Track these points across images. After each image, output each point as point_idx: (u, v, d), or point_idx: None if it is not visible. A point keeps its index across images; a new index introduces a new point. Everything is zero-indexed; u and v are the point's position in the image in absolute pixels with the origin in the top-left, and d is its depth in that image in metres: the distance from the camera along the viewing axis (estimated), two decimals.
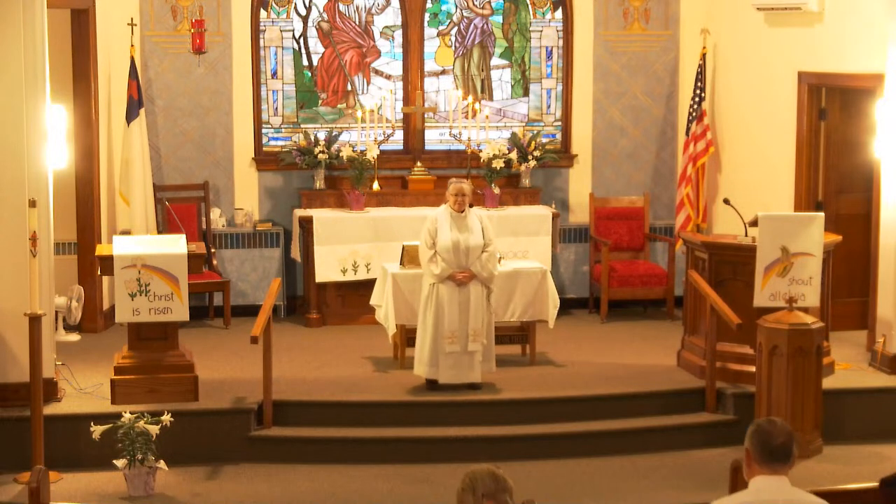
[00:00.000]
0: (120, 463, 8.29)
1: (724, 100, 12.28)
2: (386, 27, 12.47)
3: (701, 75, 12.17)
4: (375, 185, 12.05)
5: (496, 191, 11.98)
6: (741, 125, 12.03)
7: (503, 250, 10.64)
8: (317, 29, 12.36)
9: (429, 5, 12.47)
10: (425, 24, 12.49)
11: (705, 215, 12.27)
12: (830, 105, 11.09)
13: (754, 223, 9.52)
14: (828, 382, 9.32)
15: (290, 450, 9.04)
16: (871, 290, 10.32)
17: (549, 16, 12.61)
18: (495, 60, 12.65)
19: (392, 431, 9.20)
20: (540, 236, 11.80)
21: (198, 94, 12.06)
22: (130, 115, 11.37)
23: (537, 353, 10.38)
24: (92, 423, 8.40)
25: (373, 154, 11.84)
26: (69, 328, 11.10)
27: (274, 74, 12.32)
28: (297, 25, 12.33)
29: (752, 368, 9.28)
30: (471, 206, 9.52)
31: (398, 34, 12.47)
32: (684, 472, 8.78)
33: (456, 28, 12.58)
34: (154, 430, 8.27)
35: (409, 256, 10.16)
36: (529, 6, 12.58)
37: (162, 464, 8.36)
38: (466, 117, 12.20)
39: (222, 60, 12.07)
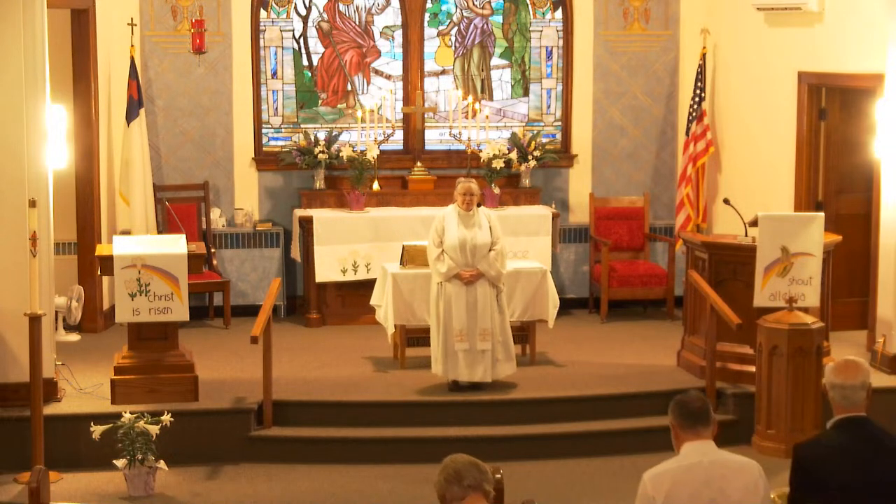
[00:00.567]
0: (120, 463, 8.29)
1: (724, 100, 12.28)
2: (386, 27, 12.48)
3: (701, 75, 12.17)
4: (375, 185, 12.05)
5: (496, 191, 11.98)
6: (741, 125, 12.03)
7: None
8: (317, 29, 12.36)
9: (429, 5, 12.47)
10: (425, 24, 12.49)
11: (705, 215, 12.27)
12: (830, 105, 11.09)
13: (754, 223, 9.52)
14: None
15: (290, 450, 9.04)
16: (871, 290, 10.32)
17: (549, 16, 12.61)
18: (495, 60, 12.65)
19: (392, 431, 9.20)
20: (540, 236, 11.80)
21: (198, 94, 12.06)
22: (130, 115, 11.37)
23: (537, 353, 10.38)
24: (92, 423, 8.40)
25: (373, 154, 11.84)
26: (69, 328, 11.10)
27: (274, 74, 12.32)
28: (297, 25, 12.33)
29: (752, 368, 9.28)
30: (479, 205, 9.52)
31: (398, 34, 12.47)
32: None
33: (456, 28, 12.58)
34: (154, 430, 8.27)
35: (409, 256, 10.17)
36: (529, 6, 12.58)
37: (162, 464, 8.36)
38: (466, 117, 12.20)
39: (222, 60, 12.07)
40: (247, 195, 12.21)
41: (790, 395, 8.94)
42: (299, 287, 12.13)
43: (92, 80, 11.05)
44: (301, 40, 12.36)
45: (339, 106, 12.48)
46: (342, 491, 8.51)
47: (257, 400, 9.21)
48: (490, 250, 9.39)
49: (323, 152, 11.88)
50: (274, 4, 12.26)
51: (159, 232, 11.50)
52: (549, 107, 12.71)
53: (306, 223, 11.68)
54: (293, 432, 9.16)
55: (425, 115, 12.45)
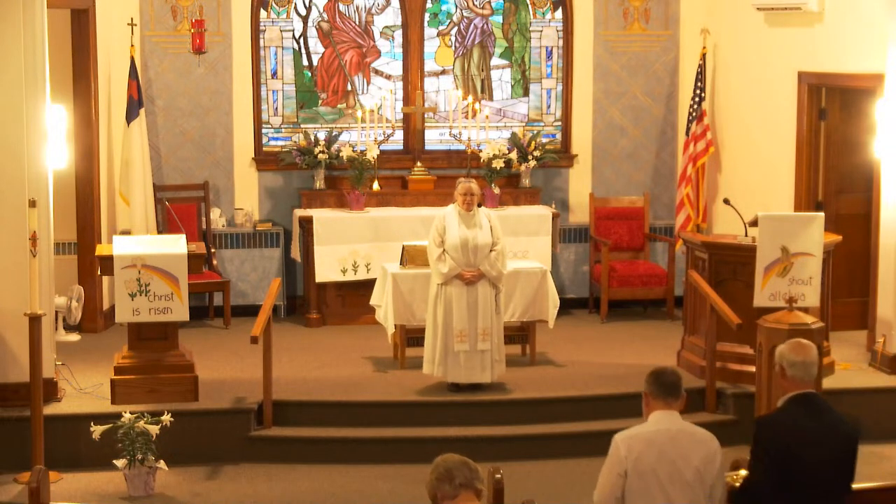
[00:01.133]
0: (120, 463, 8.29)
1: (724, 100, 12.28)
2: (386, 27, 12.47)
3: (701, 75, 12.17)
4: (375, 185, 12.04)
5: (496, 191, 11.98)
6: (741, 125, 12.03)
7: None
8: (317, 29, 12.36)
9: (429, 5, 12.47)
10: (425, 24, 12.49)
11: (705, 215, 12.27)
12: (830, 105, 11.09)
13: (754, 223, 9.52)
14: (828, 382, 9.32)
15: (290, 450, 9.04)
16: (871, 290, 10.32)
17: (549, 16, 12.61)
18: (495, 60, 12.65)
19: (392, 431, 9.20)
20: (540, 236, 11.80)
21: (198, 94, 12.06)
22: (130, 115, 11.37)
23: (537, 353, 10.38)
24: (92, 423, 8.40)
25: (373, 154, 11.84)
26: (69, 328, 11.10)
27: (274, 74, 12.32)
28: (297, 25, 12.33)
29: (752, 368, 9.27)
30: (479, 205, 9.52)
31: (398, 34, 12.47)
32: None
33: (456, 28, 12.58)
34: (154, 430, 8.27)
35: (409, 256, 10.17)
36: (529, 6, 12.58)
37: (162, 464, 8.36)
38: (466, 117, 12.20)
39: (222, 60, 12.07)
40: (247, 195, 12.21)
41: None
42: (299, 287, 12.13)
43: (92, 80, 11.05)
44: (301, 40, 12.36)
45: (339, 106, 12.48)
46: (342, 491, 8.51)
47: (257, 400, 9.21)
48: (491, 250, 9.39)
49: (323, 152, 11.88)
50: (274, 4, 12.26)
51: (159, 232, 11.50)
52: (549, 107, 12.71)
53: (306, 223, 11.68)
54: (293, 432, 9.16)
55: (425, 115, 12.45)
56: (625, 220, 12.42)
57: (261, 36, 12.25)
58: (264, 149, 12.31)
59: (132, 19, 11.59)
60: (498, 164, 11.95)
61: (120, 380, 9.14)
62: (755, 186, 11.61)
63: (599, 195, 12.50)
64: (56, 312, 10.32)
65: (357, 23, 12.43)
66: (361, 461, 8.96)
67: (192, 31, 11.36)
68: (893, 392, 9.61)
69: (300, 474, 8.80)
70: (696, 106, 12.16)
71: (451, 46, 12.58)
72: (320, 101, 12.46)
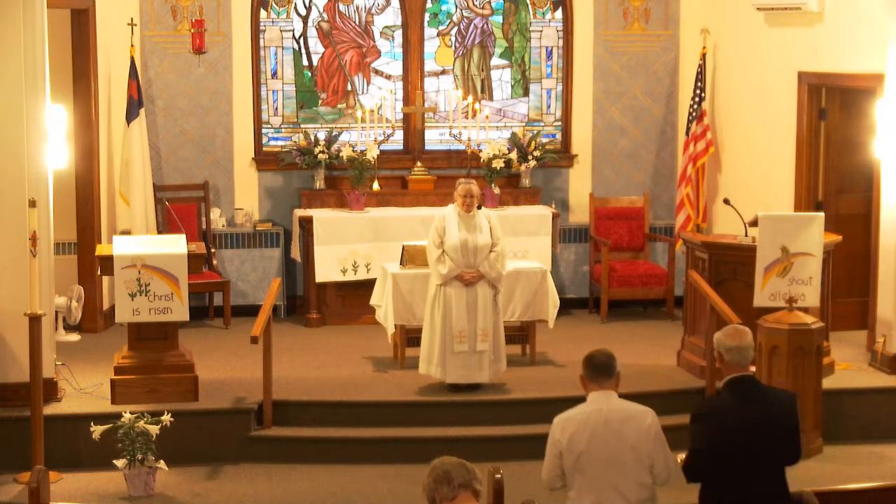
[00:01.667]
0: (120, 463, 8.29)
1: (724, 100, 12.28)
2: (386, 27, 12.48)
3: (701, 75, 12.17)
4: (375, 185, 12.05)
5: (496, 191, 11.98)
6: (741, 125, 12.03)
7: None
8: (317, 29, 12.36)
9: (429, 5, 12.47)
10: (425, 24, 12.49)
11: (705, 215, 12.27)
12: (830, 105, 11.09)
13: (754, 223, 9.52)
14: (828, 382, 9.32)
15: (290, 450, 9.04)
16: (871, 290, 10.32)
17: (549, 16, 12.61)
18: (495, 60, 12.65)
19: (392, 431, 9.20)
20: (540, 236, 11.80)
21: (198, 94, 12.06)
22: (130, 115, 11.37)
23: (537, 353, 10.38)
24: (92, 423, 8.40)
25: (373, 154, 11.84)
26: (69, 328, 11.10)
27: (274, 74, 12.32)
28: (297, 25, 12.33)
29: (752, 368, 9.27)
30: (479, 207, 9.51)
31: (398, 34, 12.47)
32: None
33: (456, 28, 12.58)
34: (154, 430, 8.27)
35: (409, 256, 10.17)
36: (529, 6, 12.58)
37: (162, 464, 8.36)
38: (466, 117, 12.20)
39: (222, 60, 12.07)
40: (247, 195, 12.21)
41: None
42: (299, 287, 12.13)
43: (92, 80, 11.05)
44: (301, 40, 12.36)
45: (339, 106, 12.48)
46: (342, 491, 8.51)
47: (257, 400, 9.21)
48: (490, 251, 9.39)
49: (323, 152, 11.88)
50: (274, 4, 12.26)
51: (159, 232, 11.50)
52: (549, 107, 12.71)
53: (306, 223, 11.68)
54: (293, 432, 9.16)
55: (425, 115, 12.45)
56: (625, 220, 12.42)
57: (261, 36, 12.25)
58: (264, 149, 12.31)
59: (132, 19, 11.60)
60: (498, 164, 11.96)
61: (120, 380, 9.14)
62: (755, 186, 11.61)
63: (599, 195, 12.50)
64: (56, 312, 10.32)
65: (357, 23, 12.43)
66: (361, 461, 8.96)
67: (192, 31, 11.35)
68: (893, 392, 9.61)
69: (300, 474, 8.80)
70: (696, 106, 12.16)
71: (451, 46, 12.58)
72: (320, 101, 12.46)
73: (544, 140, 12.44)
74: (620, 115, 12.60)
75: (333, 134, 12.17)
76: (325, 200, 12.02)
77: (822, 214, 9.67)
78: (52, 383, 9.05)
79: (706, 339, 9.48)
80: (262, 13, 12.23)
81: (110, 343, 10.53)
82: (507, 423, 9.32)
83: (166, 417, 8.40)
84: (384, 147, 12.11)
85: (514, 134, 12.40)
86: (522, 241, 11.65)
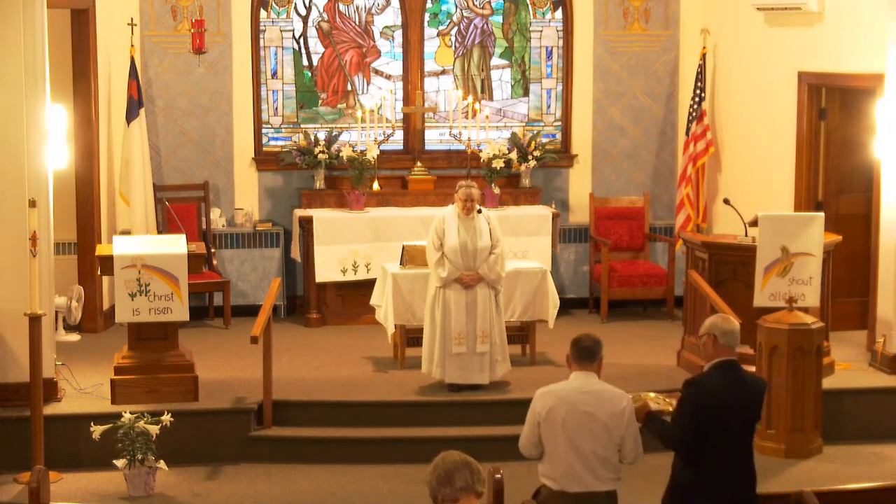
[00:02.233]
0: (120, 463, 8.29)
1: (724, 100, 12.28)
2: (386, 27, 12.48)
3: (701, 75, 12.18)
4: (375, 185, 12.05)
5: (496, 191, 11.98)
6: (741, 125, 12.03)
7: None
8: (317, 29, 12.36)
9: (429, 5, 12.47)
10: (425, 24, 12.49)
11: (705, 215, 12.27)
12: (830, 105, 11.09)
13: (754, 223, 9.52)
14: (828, 382, 9.32)
15: (290, 450, 9.04)
16: (871, 290, 10.32)
17: (549, 16, 12.61)
18: (495, 60, 12.65)
19: (392, 431, 9.20)
20: (540, 236, 11.80)
21: (198, 94, 12.06)
22: (130, 115, 11.37)
23: (537, 353, 10.38)
24: (92, 423, 8.40)
25: (373, 154, 11.84)
26: (69, 328, 11.10)
27: (274, 74, 12.32)
28: (297, 25, 12.33)
29: (752, 368, 9.27)
30: (479, 211, 9.49)
31: (398, 34, 12.47)
32: None
33: (456, 28, 12.58)
34: (154, 430, 8.27)
35: (409, 256, 10.17)
36: (529, 6, 12.58)
37: (162, 464, 8.36)
38: (466, 117, 12.20)
39: (222, 60, 12.07)
40: (247, 195, 12.21)
41: (790, 395, 8.94)
42: (299, 287, 12.13)
43: (92, 80, 11.05)
44: (301, 40, 12.36)
45: (339, 106, 12.48)
46: (342, 491, 8.51)
47: (257, 400, 9.21)
48: (490, 253, 9.39)
49: (323, 152, 11.88)
50: (274, 4, 12.26)
51: (159, 232, 11.50)
52: (549, 107, 12.71)
53: (306, 223, 11.68)
54: (293, 432, 9.16)
55: (425, 115, 12.45)
56: (625, 220, 12.42)
57: (261, 36, 12.25)
58: (264, 149, 12.31)
59: (132, 19, 11.60)
60: (498, 164, 11.96)
61: (120, 380, 9.14)
62: (755, 186, 11.61)
63: (599, 195, 12.50)
64: (56, 312, 10.33)
65: (357, 23, 12.43)
66: (361, 461, 8.96)
67: (192, 31, 11.35)
68: (893, 392, 9.61)
69: (300, 474, 8.80)
70: (696, 106, 12.16)
71: (451, 46, 12.58)
72: (320, 101, 12.46)
73: (544, 140, 12.44)
74: (620, 115, 12.60)
75: (333, 134, 12.17)
76: (325, 200, 12.02)
77: (822, 214, 9.67)
78: (52, 383, 9.05)
79: None
80: (262, 13, 12.23)
81: (110, 343, 10.53)
82: (507, 423, 9.30)
83: (166, 417, 8.40)
84: (384, 147, 12.11)
85: (514, 134, 12.40)
86: (522, 241, 11.65)
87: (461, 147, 12.27)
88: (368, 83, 12.47)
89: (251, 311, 11.06)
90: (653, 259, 12.51)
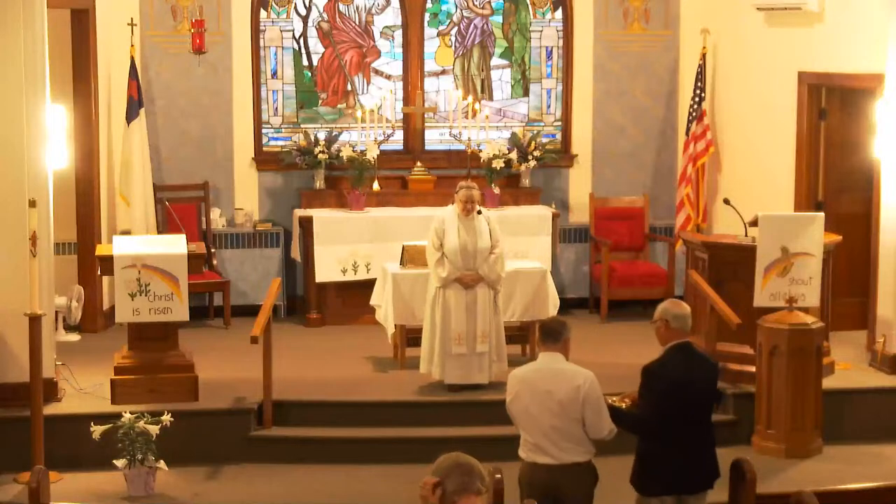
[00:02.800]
0: (120, 463, 8.29)
1: (724, 100, 12.28)
2: (386, 27, 12.48)
3: (701, 75, 12.17)
4: (375, 185, 12.05)
5: (496, 191, 11.98)
6: (741, 125, 12.03)
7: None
8: (317, 29, 12.36)
9: (429, 5, 12.47)
10: (425, 24, 12.49)
11: (705, 215, 12.27)
12: (830, 105, 11.09)
13: (754, 223, 9.52)
14: (828, 382, 9.32)
15: (290, 450, 9.03)
16: (871, 290, 10.32)
17: (549, 16, 12.61)
18: (495, 60, 12.65)
19: (392, 431, 9.20)
20: (540, 236, 11.80)
21: (198, 94, 12.06)
22: (130, 116, 11.37)
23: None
24: (92, 423, 8.39)
25: (373, 154, 11.84)
26: (69, 328, 11.10)
27: (274, 74, 12.32)
28: (297, 25, 12.33)
29: (752, 368, 9.28)
30: (479, 212, 9.49)
31: (398, 34, 12.47)
32: None
33: (456, 28, 12.58)
34: (154, 430, 8.27)
35: (409, 256, 10.17)
36: (529, 6, 12.58)
37: (162, 464, 8.36)
38: (466, 117, 12.20)
39: (222, 60, 12.06)
40: (247, 195, 12.21)
41: (790, 395, 8.94)
42: (299, 287, 12.13)
43: (92, 80, 11.05)
44: (301, 40, 12.36)
45: (339, 106, 12.48)
46: (342, 491, 8.51)
47: (257, 400, 9.21)
48: (490, 254, 9.39)
49: (323, 152, 11.88)
50: (274, 4, 12.26)
51: (159, 232, 11.50)
52: (549, 107, 12.71)
53: (306, 223, 11.68)
54: (293, 432, 9.16)
55: (425, 115, 12.45)
56: (625, 220, 12.42)
57: (261, 36, 12.25)
58: (264, 149, 12.31)
59: (132, 19, 11.59)
60: (498, 164, 11.96)
61: (120, 380, 9.14)
62: (755, 186, 11.61)
63: (599, 195, 12.50)
64: (56, 312, 10.33)
65: (357, 23, 12.43)
66: (361, 461, 8.96)
67: (192, 31, 11.36)
68: (893, 392, 9.61)
69: (300, 474, 8.80)
70: (696, 106, 12.16)
71: (451, 46, 12.58)
72: (320, 101, 12.46)
73: (544, 140, 12.44)
74: (620, 115, 12.59)
75: (333, 134, 12.17)
76: (325, 200, 12.02)
77: (822, 214, 9.67)
78: (52, 383, 9.05)
79: (706, 339, 9.49)
80: (262, 13, 12.23)
81: (110, 343, 10.52)
82: (507, 423, 9.25)
83: (166, 417, 8.40)
84: (384, 147, 12.11)
85: (514, 134, 12.40)
86: (522, 242, 11.64)
87: (461, 147, 12.27)
88: (368, 83, 12.47)
89: (251, 311, 11.04)
90: (653, 259, 12.51)
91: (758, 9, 11.45)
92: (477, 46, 12.62)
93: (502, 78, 12.68)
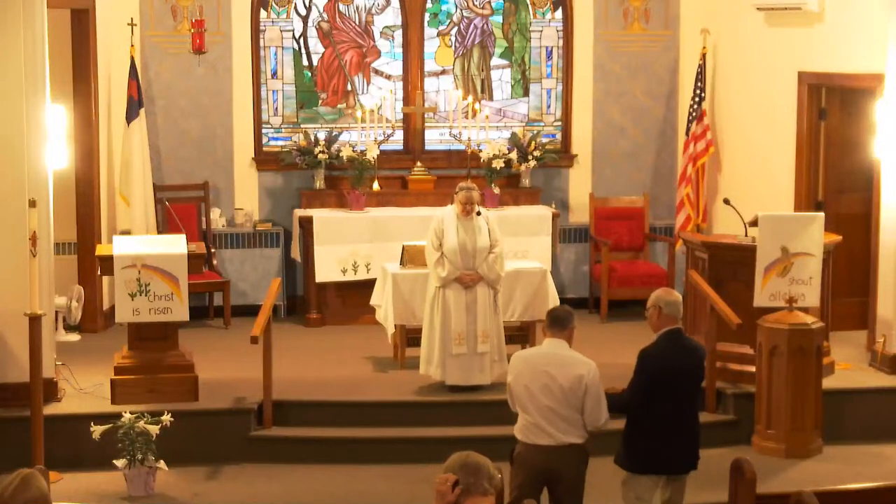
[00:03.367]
0: (120, 463, 8.29)
1: (724, 100, 12.28)
2: (386, 27, 12.48)
3: (701, 75, 12.18)
4: (375, 185, 12.05)
5: (496, 191, 11.98)
6: (741, 125, 12.03)
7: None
8: (317, 29, 12.36)
9: (429, 5, 12.47)
10: (425, 24, 12.49)
11: (705, 215, 12.27)
12: (830, 105, 11.09)
13: (754, 223, 9.52)
14: (828, 382, 9.33)
15: (290, 450, 9.04)
16: (871, 290, 10.32)
17: (549, 16, 12.61)
18: (495, 60, 12.65)
19: (392, 431, 9.20)
20: (540, 236, 11.80)
21: (198, 94, 12.06)
22: (130, 115, 11.37)
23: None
24: (92, 423, 8.40)
25: (373, 154, 11.84)
26: (69, 328, 11.10)
27: (274, 74, 12.32)
28: (297, 25, 12.33)
29: (752, 368, 9.28)
30: (478, 213, 9.48)
31: (398, 34, 12.48)
32: None
33: (456, 28, 12.58)
34: (154, 430, 8.27)
35: (409, 256, 10.17)
36: (529, 6, 12.58)
37: (162, 464, 8.36)
38: (466, 117, 12.20)
39: (222, 60, 12.06)
40: (247, 195, 12.21)
41: (790, 395, 8.94)
42: (299, 287, 12.13)
43: (92, 80, 11.05)
44: (301, 40, 12.36)
45: (339, 106, 12.48)
46: (342, 491, 8.51)
47: (257, 400, 9.21)
48: (489, 253, 9.39)
49: (323, 152, 11.88)
50: (274, 4, 12.26)
51: (159, 232, 11.50)
52: (549, 107, 12.71)
53: (306, 223, 11.68)
54: (293, 432, 9.16)
55: (425, 115, 12.45)
56: (625, 220, 12.42)
57: (261, 36, 12.25)
58: (264, 149, 12.31)
59: (132, 19, 11.59)
60: (498, 164, 11.96)
61: (120, 380, 9.15)
62: (755, 186, 11.61)
63: (599, 195, 12.50)
64: (56, 312, 10.33)
65: (357, 23, 12.43)
66: (361, 461, 8.96)
67: (192, 31, 11.36)
68: (893, 392, 9.61)
69: (300, 474, 8.80)
70: (696, 106, 12.16)
71: (451, 46, 12.58)
72: (320, 101, 12.46)
73: (544, 140, 12.44)
74: (620, 115, 12.59)
75: (333, 134, 12.17)
76: (325, 200, 12.02)
77: (822, 214, 9.67)
78: (52, 383, 9.05)
79: (706, 339, 9.48)
80: (262, 13, 12.23)
81: (110, 343, 10.52)
82: (507, 423, 9.28)
83: (166, 417, 8.40)
84: (384, 147, 12.11)
85: (514, 134, 12.40)
86: (522, 242, 11.64)
87: (461, 147, 12.27)
88: (368, 83, 12.48)
89: (251, 311, 11.04)
90: (653, 259, 12.51)
91: (758, 9, 11.45)
92: (477, 46, 12.62)
93: (502, 78, 12.68)
